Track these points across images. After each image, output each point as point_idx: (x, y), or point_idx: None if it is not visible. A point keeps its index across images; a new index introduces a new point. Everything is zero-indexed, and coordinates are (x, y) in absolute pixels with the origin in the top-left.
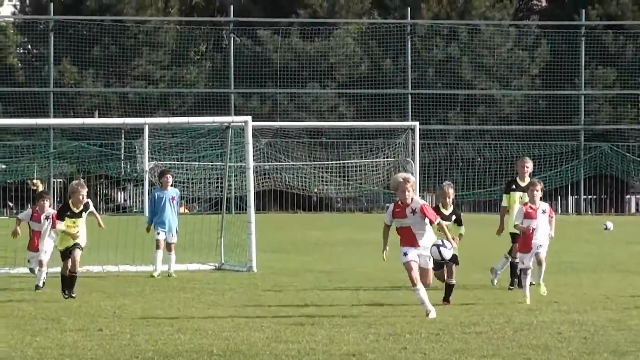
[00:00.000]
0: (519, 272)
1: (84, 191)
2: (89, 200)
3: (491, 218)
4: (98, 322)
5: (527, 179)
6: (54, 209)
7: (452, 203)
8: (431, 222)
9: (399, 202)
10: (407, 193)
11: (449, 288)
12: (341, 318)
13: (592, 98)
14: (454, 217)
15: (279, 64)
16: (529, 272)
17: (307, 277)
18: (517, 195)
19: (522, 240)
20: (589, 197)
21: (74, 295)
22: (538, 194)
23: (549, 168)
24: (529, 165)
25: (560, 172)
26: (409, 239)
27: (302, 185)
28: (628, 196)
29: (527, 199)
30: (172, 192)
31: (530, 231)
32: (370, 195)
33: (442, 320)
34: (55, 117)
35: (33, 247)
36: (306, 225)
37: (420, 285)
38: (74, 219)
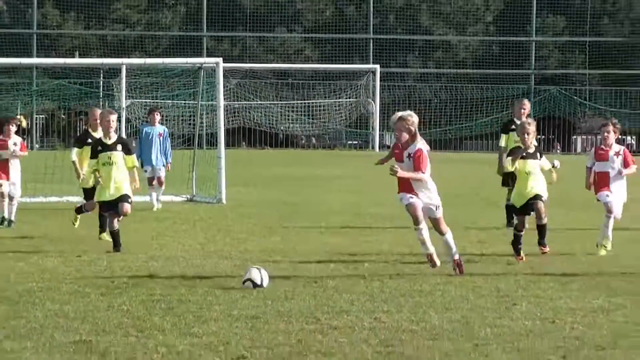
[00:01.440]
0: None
1: (114, 117)
2: (128, 139)
3: (445, 156)
4: (77, 249)
5: (524, 118)
6: (37, 143)
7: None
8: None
9: (399, 143)
10: (399, 132)
11: (542, 229)
12: (305, 247)
13: (542, 44)
14: (538, 155)
15: (249, 9)
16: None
17: (273, 208)
18: (516, 135)
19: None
20: (539, 137)
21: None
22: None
23: (500, 110)
24: (527, 107)
25: (511, 113)
26: (405, 185)
27: (269, 123)
28: (574, 137)
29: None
30: (160, 128)
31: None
32: (333, 133)
33: (399, 251)
34: (38, 57)
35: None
36: (273, 161)
37: (423, 225)
38: (109, 153)
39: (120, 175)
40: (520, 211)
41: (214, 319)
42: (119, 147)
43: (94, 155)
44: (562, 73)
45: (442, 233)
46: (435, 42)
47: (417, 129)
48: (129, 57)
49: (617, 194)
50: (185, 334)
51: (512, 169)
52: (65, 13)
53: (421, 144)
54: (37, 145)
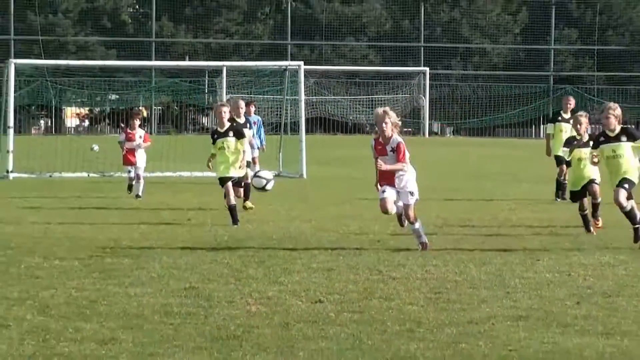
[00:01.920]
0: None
1: (225, 109)
2: (243, 128)
3: (481, 141)
4: (188, 214)
5: (569, 113)
6: (155, 129)
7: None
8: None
9: (380, 139)
10: (383, 125)
11: (596, 207)
12: (370, 213)
13: (559, 52)
14: (591, 143)
15: (324, 23)
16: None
17: (344, 182)
18: (562, 125)
19: None
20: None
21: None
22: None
23: (526, 104)
24: (572, 102)
25: (534, 107)
26: (387, 175)
27: (340, 114)
28: (545, 125)
29: (566, 129)
30: (255, 117)
31: None
32: None
33: (444, 216)
34: (156, 60)
35: (127, 162)
36: (343, 145)
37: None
38: (222, 139)
39: (232, 158)
40: (579, 194)
41: (296, 271)
42: (231, 133)
43: (213, 141)
44: (575, 74)
45: (410, 221)
46: (473, 49)
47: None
48: (228, 61)
49: None
50: (274, 282)
51: (569, 158)
52: (177, 25)
53: (399, 137)
54: (154, 132)
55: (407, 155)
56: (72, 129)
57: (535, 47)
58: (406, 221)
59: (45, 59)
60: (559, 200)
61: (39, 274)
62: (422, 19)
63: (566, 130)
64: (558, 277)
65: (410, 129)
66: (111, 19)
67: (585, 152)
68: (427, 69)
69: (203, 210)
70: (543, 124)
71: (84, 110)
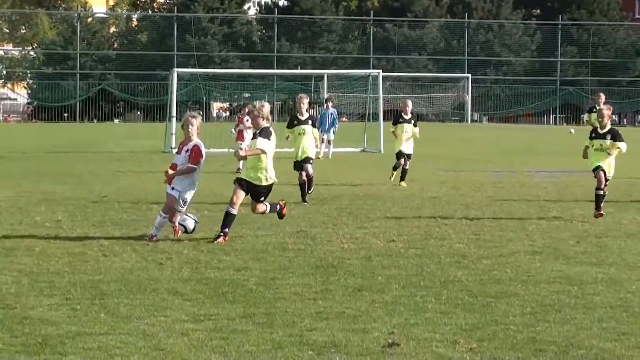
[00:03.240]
0: None
1: (306, 100)
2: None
3: (507, 126)
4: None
5: (602, 106)
6: (276, 119)
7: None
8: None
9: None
10: (190, 128)
11: (596, 198)
12: (430, 178)
13: (563, 63)
14: (609, 136)
15: (397, 42)
16: None
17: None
18: (593, 116)
19: None
20: (561, 115)
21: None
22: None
23: (539, 100)
24: (602, 97)
25: (546, 102)
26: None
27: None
28: (582, 115)
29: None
30: (332, 110)
31: None
32: (444, 113)
33: (484, 182)
34: (277, 69)
35: (240, 138)
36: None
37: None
38: (302, 126)
39: (307, 142)
40: (595, 169)
41: (376, 218)
42: (310, 121)
43: (291, 126)
44: (575, 79)
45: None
46: (502, 61)
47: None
48: (328, 69)
49: None
50: (360, 227)
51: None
52: (292, 44)
53: (197, 139)
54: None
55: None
56: (216, 117)
57: (546, 59)
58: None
59: (198, 68)
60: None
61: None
62: (466, 39)
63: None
64: (563, 223)
65: (457, 118)
66: (245, 40)
67: (601, 143)
68: (470, 75)
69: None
70: (552, 114)
71: (226, 105)
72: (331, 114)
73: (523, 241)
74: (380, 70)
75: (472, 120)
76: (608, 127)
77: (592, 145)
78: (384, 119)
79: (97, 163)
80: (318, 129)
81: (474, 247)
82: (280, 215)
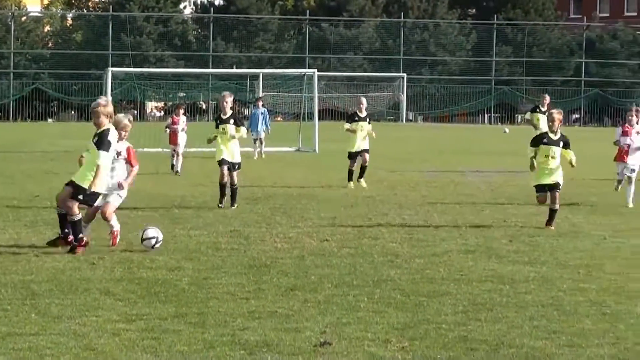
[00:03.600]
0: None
1: (229, 99)
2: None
3: (442, 125)
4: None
5: (546, 107)
6: (208, 119)
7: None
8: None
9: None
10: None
11: (552, 213)
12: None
13: (498, 62)
14: (561, 143)
15: (332, 41)
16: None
17: (345, 155)
18: (539, 115)
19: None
20: (496, 115)
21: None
22: (634, 118)
23: (475, 99)
24: (547, 99)
25: (481, 101)
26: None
27: (343, 106)
28: (516, 115)
29: (542, 120)
30: (262, 109)
31: (625, 148)
32: (380, 112)
33: (418, 181)
34: (212, 68)
35: (172, 141)
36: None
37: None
38: (223, 125)
39: (230, 143)
40: (542, 189)
41: (310, 218)
42: (232, 121)
43: (216, 126)
44: (510, 79)
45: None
46: (437, 60)
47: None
48: (264, 69)
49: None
50: (294, 227)
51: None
52: (227, 43)
53: (126, 142)
54: (210, 119)
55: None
56: (154, 117)
57: (481, 59)
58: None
59: (133, 67)
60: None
61: (127, 221)
62: (402, 39)
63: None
64: (497, 222)
65: (392, 117)
66: (181, 39)
67: (554, 150)
68: (405, 74)
69: (243, 175)
70: (486, 113)
71: (161, 104)
72: (262, 113)
73: (456, 240)
74: (316, 70)
75: (407, 120)
76: (559, 133)
77: (538, 153)
78: (319, 119)
79: (29, 163)
80: (248, 129)
81: (407, 246)
82: (73, 249)
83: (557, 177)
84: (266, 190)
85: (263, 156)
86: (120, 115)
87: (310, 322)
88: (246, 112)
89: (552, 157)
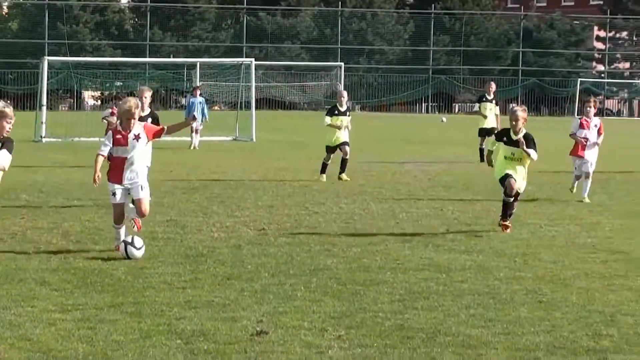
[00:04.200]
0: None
1: (148, 93)
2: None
3: (379, 115)
4: (170, 167)
5: (492, 95)
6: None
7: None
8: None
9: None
10: (132, 120)
11: (506, 206)
12: (301, 165)
13: (436, 52)
14: (523, 145)
15: (270, 31)
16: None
17: (282, 144)
18: (486, 104)
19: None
20: (433, 104)
21: None
22: (592, 110)
23: (412, 88)
24: (494, 86)
25: (418, 90)
26: (116, 171)
27: (280, 96)
28: (454, 104)
29: (489, 109)
30: (200, 99)
31: (584, 142)
32: (317, 101)
33: (355, 167)
34: (149, 57)
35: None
36: (282, 117)
37: (122, 227)
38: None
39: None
40: (505, 177)
41: (247, 207)
42: (149, 119)
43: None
44: (447, 68)
45: (142, 215)
46: (375, 49)
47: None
48: (201, 58)
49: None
50: (231, 216)
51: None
52: (165, 32)
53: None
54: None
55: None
56: (89, 106)
57: (419, 48)
58: None
59: (70, 56)
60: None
61: (62, 210)
62: (340, 28)
63: (488, 109)
64: (434, 211)
65: (329, 106)
66: (118, 28)
67: (514, 152)
68: (342, 63)
69: (180, 164)
70: (424, 102)
71: (97, 93)
72: (200, 102)
73: (393, 229)
74: (253, 59)
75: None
76: (523, 132)
77: (499, 150)
78: (256, 108)
79: None
80: (186, 116)
81: (344, 235)
82: None
83: (519, 176)
84: (203, 179)
85: (197, 148)
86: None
87: (246, 312)
88: (183, 101)
89: (513, 160)
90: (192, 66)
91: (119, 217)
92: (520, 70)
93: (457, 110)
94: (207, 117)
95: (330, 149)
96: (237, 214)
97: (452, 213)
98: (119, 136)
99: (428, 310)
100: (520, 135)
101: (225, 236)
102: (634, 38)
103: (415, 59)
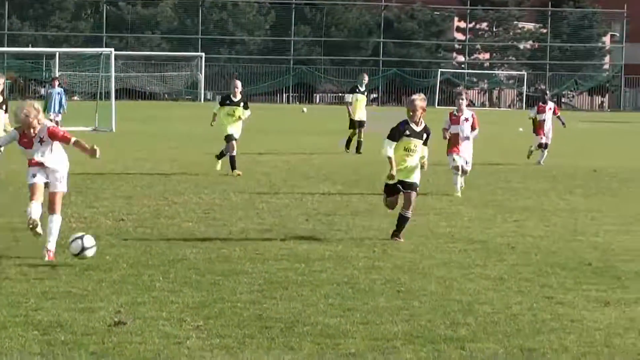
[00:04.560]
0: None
1: (1, 80)
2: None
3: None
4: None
5: (365, 87)
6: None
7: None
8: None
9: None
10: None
11: (403, 221)
12: (160, 155)
13: (297, 42)
14: (424, 136)
15: (130, 20)
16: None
17: (143, 135)
18: (359, 96)
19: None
20: (294, 94)
21: None
22: (464, 102)
23: (273, 78)
24: (366, 77)
25: (279, 81)
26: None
27: (140, 86)
28: (315, 94)
29: (362, 100)
30: (58, 89)
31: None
32: (178, 91)
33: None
34: (8, 47)
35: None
36: (142, 108)
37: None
38: None
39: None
40: (393, 189)
41: (106, 198)
42: (4, 106)
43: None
44: (308, 58)
45: (52, 212)
46: (236, 40)
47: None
48: (60, 48)
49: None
50: (89, 207)
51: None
52: (23, 22)
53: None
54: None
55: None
56: None
57: (280, 39)
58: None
59: None
60: (348, 151)
61: None
62: (200, 18)
63: (359, 100)
64: (293, 202)
65: (190, 97)
66: None
67: (416, 144)
68: (203, 54)
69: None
70: (285, 93)
71: None
72: (58, 93)
73: (252, 219)
74: (113, 49)
75: (205, 99)
76: (423, 123)
77: (400, 145)
78: (116, 99)
79: None
80: (44, 110)
81: (204, 225)
82: None
83: (415, 176)
84: None
85: None
86: None
87: (104, 302)
88: (42, 91)
89: (412, 152)
90: (51, 56)
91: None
92: (381, 61)
93: (318, 100)
94: (65, 108)
95: (354, 125)
96: (95, 205)
97: (311, 203)
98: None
99: (287, 300)
100: (422, 126)
101: (83, 226)
102: (494, 29)
103: (276, 50)
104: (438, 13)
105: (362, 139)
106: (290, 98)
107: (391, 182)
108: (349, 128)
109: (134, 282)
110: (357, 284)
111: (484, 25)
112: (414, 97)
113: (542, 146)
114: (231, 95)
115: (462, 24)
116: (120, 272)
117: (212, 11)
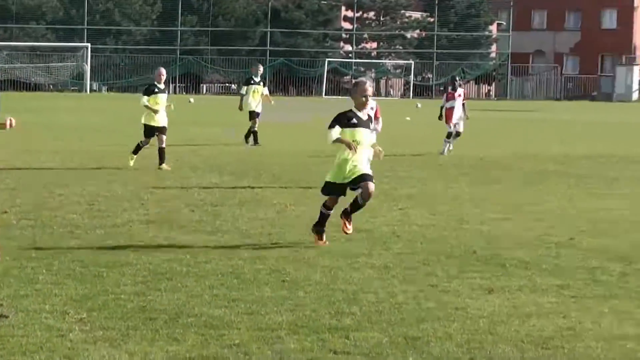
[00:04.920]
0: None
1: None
2: None
3: (127, 96)
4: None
5: (260, 77)
6: None
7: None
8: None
9: None
10: None
11: (358, 207)
12: (41, 146)
13: (184, 32)
14: (372, 124)
15: (14, 10)
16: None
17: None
18: (256, 87)
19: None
20: (181, 85)
21: None
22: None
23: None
24: (261, 68)
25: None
26: None
27: (25, 77)
28: (202, 84)
29: (258, 91)
30: None
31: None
32: (63, 82)
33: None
34: None
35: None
36: (29, 99)
37: None
38: None
39: None
40: (338, 189)
41: None
42: None
43: None
44: (195, 48)
45: None
46: (122, 30)
47: None
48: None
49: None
50: None
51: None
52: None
53: None
54: None
55: None
56: None
57: (167, 29)
58: None
59: None
60: (248, 145)
61: None
62: (86, 8)
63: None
64: (180, 192)
65: (76, 88)
66: None
67: (362, 134)
68: (89, 44)
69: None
70: (172, 83)
71: None
72: None
73: (138, 210)
74: (89, 44)
75: (91, 90)
76: (368, 109)
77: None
78: (1, 90)
79: None
80: None
81: (88, 217)
82: None
83: (365, 167)
84: None
85: None
86: None
87: None
88: None
89: (360, 143)
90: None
91: None
92: (268, 51)
93: (205, 91)
94: None
95: (150, 132)
96: None
97: (198, 194)
98: None
99: (171, 291)
100: (369, 111)
101: None
102: (381, 18)
103: (162, 40)
104: (325, 2)
105: (256, 129)
106: (177, 88)
107: (351, 156)
108: (249, 120)
109: (17, 275)
110: (242, 274)
111: (372, 14)
112: (364, 79)
113: (450, 136)
114: (156, 82)
115: (350, 13)
116: (2, 265)
117: (98, 1)
